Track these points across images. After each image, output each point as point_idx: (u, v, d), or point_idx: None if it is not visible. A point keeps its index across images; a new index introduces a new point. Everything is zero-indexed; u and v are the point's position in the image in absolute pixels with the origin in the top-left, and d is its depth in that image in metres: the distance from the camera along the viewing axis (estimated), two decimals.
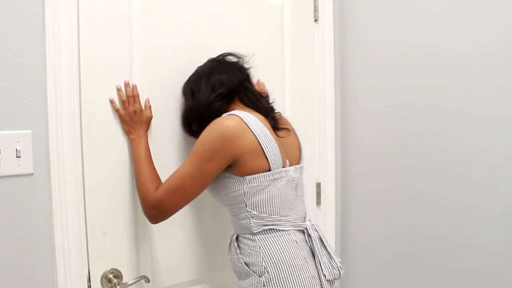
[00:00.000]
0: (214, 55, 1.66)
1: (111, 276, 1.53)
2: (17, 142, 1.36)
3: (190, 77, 1.62)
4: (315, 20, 2.10)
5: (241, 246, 1.47)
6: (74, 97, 1.44)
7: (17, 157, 1.36)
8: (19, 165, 1.36)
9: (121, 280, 1.55)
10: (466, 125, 1.69)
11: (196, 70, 1.62)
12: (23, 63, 1.36)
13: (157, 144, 1.62)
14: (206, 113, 1.51)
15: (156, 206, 1.41)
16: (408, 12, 1.86)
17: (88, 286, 1.49)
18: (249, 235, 1.45)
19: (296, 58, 2.04)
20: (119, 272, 1.55)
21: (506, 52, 1.58)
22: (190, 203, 1.68)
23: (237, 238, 1.51)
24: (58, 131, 1.40)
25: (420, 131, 1.83)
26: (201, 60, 1.66)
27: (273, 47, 1.98)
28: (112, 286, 1.52)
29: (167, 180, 1.42)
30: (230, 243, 1.54)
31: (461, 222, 1.72)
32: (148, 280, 1.57)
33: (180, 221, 1.70)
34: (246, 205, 1.43)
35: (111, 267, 1.54)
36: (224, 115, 1.44)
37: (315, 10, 2.09)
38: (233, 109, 1.49)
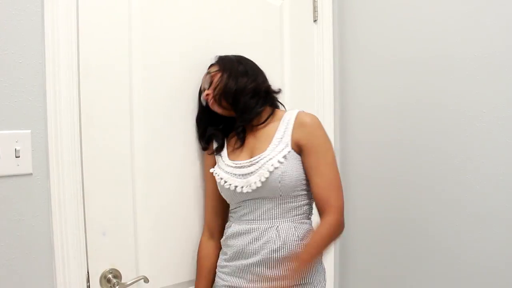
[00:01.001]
0: (214, 55, 1.68)
1: (110, 276, 1.53)
2: (16, 142, 1.35)
3: (235, 57, 1.65)
4: (315, 21, 2.10)
5: (298, 231, 1.51)
6: (73, 97, 1.44)
7: (16, 157, 1.36)
8: (18, 165, 1.36)
9: (120, 280, 1.54)
10: (464, 124, 1.69)
11: (239, 57, 1.66)
12: (22, 63, 1.36)
13: (157, 141, 1.64)
14: (261, 95, 1.60)
15: (342, 211, 1.52)
16: (407, 13, 1.87)
17: (87, 286, 1.49)
18: (306, 220, 1.56)
19: (295, 58, 2.04)
20: (118, 272, 1.55)
21: (505, 52, 1.59)
22: (190, 203, 1.70)
23: (280, 227, 1.51)
24: (57, 131, 1.40)
25: (419, 130, 1.83)
26: (201, 60, 1.68)
27: (272, 47, 1.98)
28: (111, 286, 1.52)
29: (330, 183, 1.50)
30: (267, 231, 1.51)
31: (459, 218, 1.73)
32: (147, 280, 1.57)
33: (179, 221, 1.70)
34: (309, 191, 1.54)
35: (110, 267, 1.54)
36: (300, 111, 1.59)
37: (314, 10, 2.09)
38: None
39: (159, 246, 1.65)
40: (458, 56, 1.70)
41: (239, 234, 1.55)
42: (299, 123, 1.54)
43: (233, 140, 1.66)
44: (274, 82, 1.92)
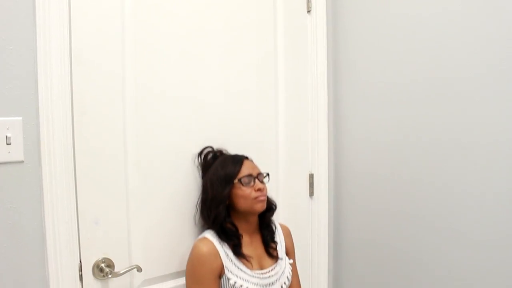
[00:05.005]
0: (207, 45, 1.72)
1: (102, 265, 1.52)
2: (7, 129, 1.34)
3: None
4: (308, 11, 2.09)
5: None
6: (65, 85, 1.43)
7: (7, 144, 1.34)
8: (9, 152, 1.35)
9: (113, 269, 1.54)
10: (463, 109, 1.68)
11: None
12: (13, 49, 1.35)
13: (150, 130, 1.63)
14: None
15: None
16: (401, 2, 1.86)
17: (79, 275, 1.48)
18: None
19: (289, 48, 2.03)
20: (111, 261, 1.54)
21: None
22: (184, 194, 1.69)
23: None
24: (49, 118, 1.39)
25: (415, 122, 1.82)
26: (193, 52, 1.70)
27: (266, 38, 1.97)
28: (104, 275, 1.51)
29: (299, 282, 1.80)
30: None
31: (457, 213, 1.72)
32: (140, 269, 1.56)
33: (172, 211, 1.69)
34: None
35: (103, 256, 1.53)
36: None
37: (308, 1, 2.08)
38: None
39: (152, 236, 1.64)
40: (454, 45, 1.70)
41: None
42: (286, 234, 1.81)
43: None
44: (267, 73, 1.94)
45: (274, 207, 1.74)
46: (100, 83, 1.52)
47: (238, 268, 1.58)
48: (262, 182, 1.65)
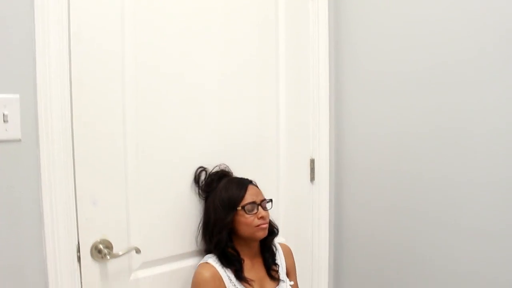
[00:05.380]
0: (207, 25, 1.71)
1: (101, 246, 1.50)
2: (4, 106, 1.31)
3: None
4: None
5: None
6: (64, 63, 1.40)
7: (4, 121, 1.32)
8: (6, 130, 1.33)
9: (112, 251, 1.52)
10: (465, 98, 1.66)
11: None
12: (10, 26, 1.32)
13: (149, 109, 1.61)
14: None
15: None
16: None
17: (77, 256, 1.47)
18: None
19: (290, 31, 2.00)
20: (110, 243, 1.52)
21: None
22: (184, 174, 1.67)
23: None
24: (47, 95, 1.36)
25: (418, 109, 1.79)
26: (196, 29, 1.65)
27: (267, 21, 1.93)
28: (102, 257, 1.50)
29: None
30: None
31: (460, 197, 1.70)
32: (139, 251, 1.54)
33: (172, 193, 1.67)
34: None
35: (101, 237, 1.51)
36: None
37: None
38: None
39: (151, 218, 1.62)
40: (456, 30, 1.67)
41: None
42: (287, 254, 1.79)
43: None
44: (268, 57, 1.91)
45: (276, 231, 1.73)
46: (99, 62, 1.49)
47: None
48: (265, 209, 1.64)
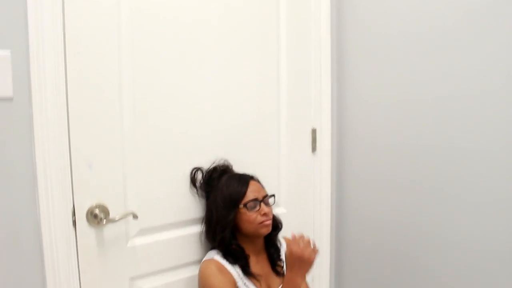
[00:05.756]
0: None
1: (97, 211, 1.46)
2: None
3: None
4: None
5: None
6: (57, 18, 1.35)
7: None
8: None
9: (108, 215, 1.48)
10: (473, 64, 1.61)
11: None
12: None
13: (146, 68, 1.56)
14: None
15: None
16: None
17: (72, 220, 1.42)
18: None
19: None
20: (106, 208, 1.48)
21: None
22: (181, 138, 1.63)
23: None
24: (40, 51, 1.31)
25: (422, 67, 1.74)
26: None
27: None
28: (98, 222, 1.46)
29: None
30: None
31: (465, 168, 1.66)
32: (136, 217, 1.50)
33: (170, 157, 1.62)
34: None
35: (97, 202, 1.47)
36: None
37: None
38: None
39: (148, 183, 1.58)
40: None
41: None
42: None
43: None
44: (269, 26, 1.86)
45: (280, 226, 1.71)
46: (95, 18, 1.44)
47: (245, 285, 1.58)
48: (267, 205, 1.61)
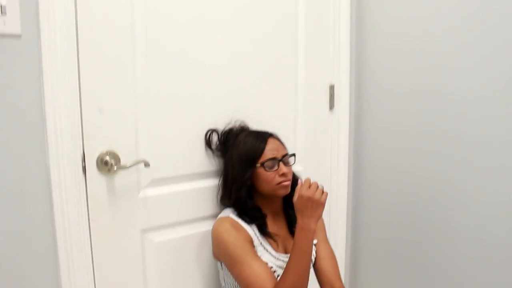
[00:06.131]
0: None
1: (107, 158, 1.41)
2: None
3: None
4: None
5: None
6: None
7: (2, 13, 1.21)
8: (4, 24, 1.22)
9: (119, 163, 1.43)
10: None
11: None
12: None
13: (161, 12, 1.49)
14: None
15: None
16: None
17: (82, 166, 1.38)
18: None
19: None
20: (116, 155, 1.43)
21: None
22: (195, 88, 1.58)
23: None
24: None
25: (446, 15, 1.66)
26: None
27: None
28: (108, 169, 1.41)
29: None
30: None
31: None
32: (148, 164, 1.45)
33: (185, 107, 1.57)
34: None
35: (108, 149, 1.42)
36: None
37: None
38: None
39: (161, 132, 1.52)
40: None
41: None
42: None
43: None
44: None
45: None
46: None
47: (264, 248, 1.50)
48: (287, 164, 1.52)
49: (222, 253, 1.49)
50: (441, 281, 1.76)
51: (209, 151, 1.63)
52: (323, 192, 1.40)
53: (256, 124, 1.66)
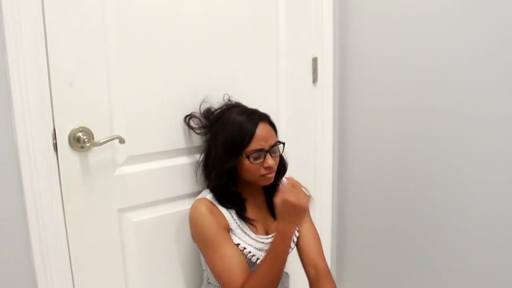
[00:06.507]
0: None
1: (80, 134, 1.33)
2: None
3: None
4: None
5: None
6: None
7: None
8: None
9: (92, 139, 1.35)
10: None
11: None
12: None
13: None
14: None
15: None
16: None
17: (53, 143, 1.30)
18: None
19: None
20: (90, 131, 1.36)
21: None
22: (174, 56, 1.48)
23: None
24: None
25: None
26: None
27: None
28: (81, 146, 1.33)
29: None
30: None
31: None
32: (123, 141, 1.37)
33: (159, 80, 1.49)
34: None
35: (81, 124, 1.34)
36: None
37: None
38: None
39: (136, 107, 1.45)
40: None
41: None
42: None
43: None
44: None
45: (284, 170, 1.55)
46: None
47: (242, 231, 1.45)
48: (274, 154, 1.43)
49: (196, 238, 1.45)
50: (430, 262, 1.73)
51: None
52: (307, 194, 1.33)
53: (236, 98, 1.58)
